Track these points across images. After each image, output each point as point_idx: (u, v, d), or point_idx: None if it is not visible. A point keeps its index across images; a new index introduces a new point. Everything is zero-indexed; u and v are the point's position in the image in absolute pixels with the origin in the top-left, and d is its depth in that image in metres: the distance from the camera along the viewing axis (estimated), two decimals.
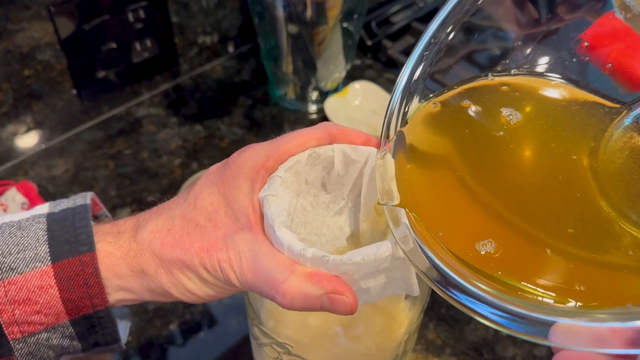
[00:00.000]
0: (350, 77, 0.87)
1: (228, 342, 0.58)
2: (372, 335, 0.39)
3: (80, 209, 0.35)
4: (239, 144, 0.79)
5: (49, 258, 0.33)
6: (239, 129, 0.81)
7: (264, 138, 0.46)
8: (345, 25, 0.76)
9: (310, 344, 0.41)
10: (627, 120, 0.31)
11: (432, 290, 0.41)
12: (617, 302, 0.25)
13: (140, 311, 0.60)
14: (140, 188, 0.73)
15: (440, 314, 0.60)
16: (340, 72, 0.83)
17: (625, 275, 0.27)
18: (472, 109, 0.34)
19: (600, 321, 0.22)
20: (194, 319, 0.60)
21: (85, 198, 0.36)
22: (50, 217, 0.35)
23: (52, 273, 0.33)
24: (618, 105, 0.31)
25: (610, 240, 0.28)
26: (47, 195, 0.71)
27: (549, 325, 0.24)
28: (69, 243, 0.33)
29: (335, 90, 0.85)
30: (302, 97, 0.84)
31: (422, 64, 0.34)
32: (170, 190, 0.73)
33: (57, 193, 0.72)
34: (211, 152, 0.78)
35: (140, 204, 0.70)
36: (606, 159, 0.30)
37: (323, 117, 0.82)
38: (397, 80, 0.35)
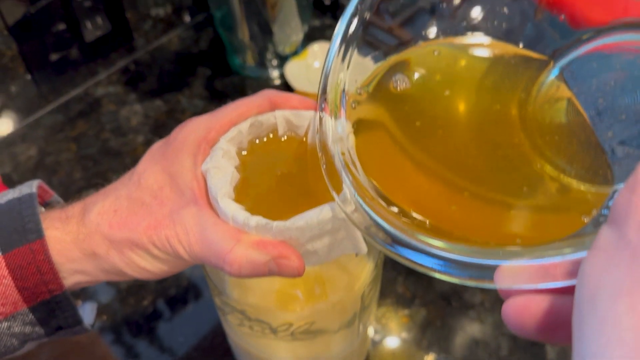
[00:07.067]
0: (310, 38, 0.86)
1: (206, 313, 0.59)
2: (332, 293, 0.40)
3: (26, 197, 0.35)
4: None
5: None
6: (200, 100, 0.80)
7: None
8: None
9: (275, 308, 0.42)
10: (554, 71, 0.31)
11: None
12: (552, 239, 0.26)
13: (114, 290, 0.61)
14: (105, 168, 0.72)
15: (408, 268, 0.61)
16: (297, 35, 0.82)
17: (556, 215, 0.28)
18: (404, 81, 0.34)
19: (540, 257, 0.23)
20: (171, 292, 0.60)
21: (31, 186, 0.36)
22: None
23: (4, 263, 0.33)
24: (546, 58, 0.32)
25: (540, 185, 0.29)
26: (11, 184, 0.70)
27: (493, 269, 0.25)
28: (18, 232, 0.33)
29: (295, 53, 0.84)
30: (262, 64, 0.83)
31: (353, 26, 0.34)
32: None
33: (22, 181, 0.70)
34: (174, 126, 0.75)
35: (107, 185, 0.70)
36: (535, 110, 0.31)
37: (286, 82, 0.81)
38: (330, 45, 0.34)
